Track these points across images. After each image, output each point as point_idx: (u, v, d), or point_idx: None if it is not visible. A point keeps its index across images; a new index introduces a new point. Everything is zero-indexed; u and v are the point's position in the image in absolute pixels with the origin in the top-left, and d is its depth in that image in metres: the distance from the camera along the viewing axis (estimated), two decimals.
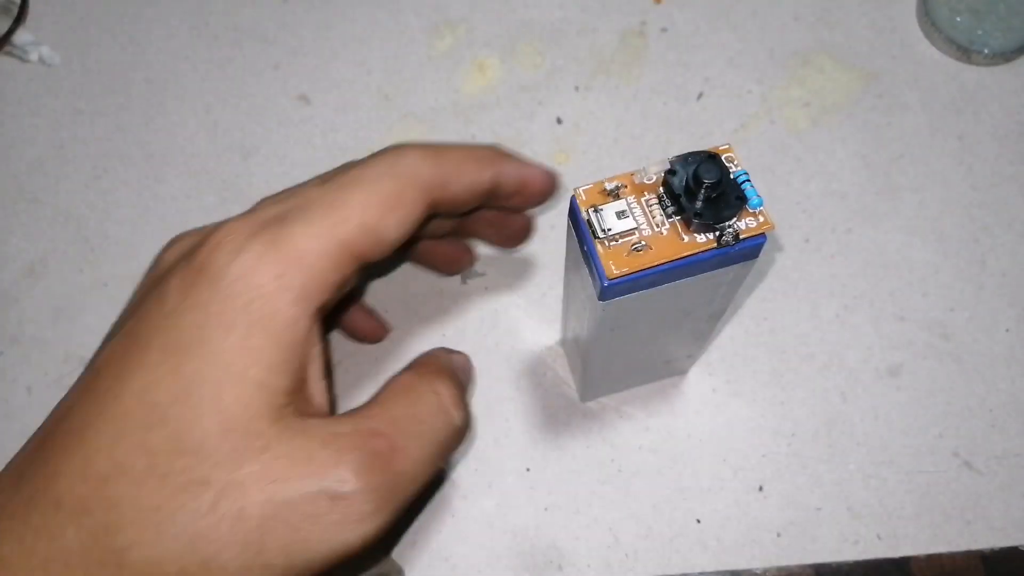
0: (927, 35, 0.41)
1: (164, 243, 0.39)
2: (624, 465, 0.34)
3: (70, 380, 0.37)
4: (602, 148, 0.39)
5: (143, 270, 0.39)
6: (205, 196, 0.39)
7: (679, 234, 0.22)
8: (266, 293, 0.21)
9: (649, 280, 0.23)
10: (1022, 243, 0.37)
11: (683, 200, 0.22)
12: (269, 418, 0.21)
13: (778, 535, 0.33)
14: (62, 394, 0.36)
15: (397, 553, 0.33)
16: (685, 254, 0.22)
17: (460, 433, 0.24)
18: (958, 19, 0.40)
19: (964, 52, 0.40)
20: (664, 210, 0.23)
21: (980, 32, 0.40)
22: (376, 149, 0.42)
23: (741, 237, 0.22)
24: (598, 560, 0.33)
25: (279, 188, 0.39)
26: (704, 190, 0.22)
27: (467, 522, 0.34)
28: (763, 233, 0.22)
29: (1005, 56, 0.40)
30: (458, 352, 0.28)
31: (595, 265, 0.22)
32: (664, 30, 0.42)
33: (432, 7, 0.42)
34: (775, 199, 0.38)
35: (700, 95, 0.40)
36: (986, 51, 0.39)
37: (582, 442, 0.35)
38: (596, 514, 0.34)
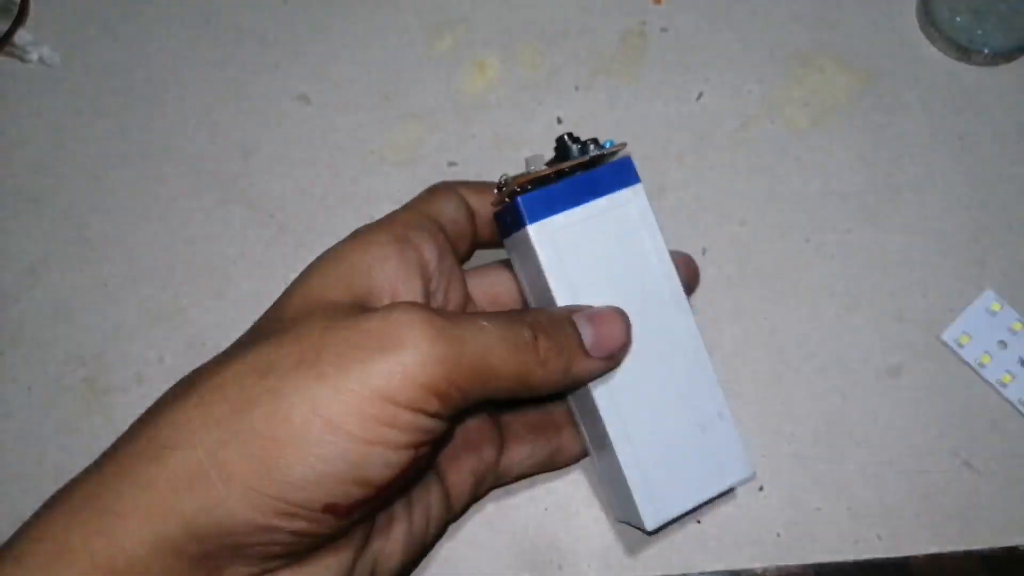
0: (927, 35, 0.41)
1: (164, 243, 0.39)
2: None
3: (70, 380, 0.37)
4: None
5: (143, 270, 0.39)
6: (205, 196, 0.39)
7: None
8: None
9: (553, 194, 0.29)
10: (1022, 243, 0.37)
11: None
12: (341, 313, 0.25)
13: (778, 535, 0.33)
14: (62, 394, 0.36)
15: None
16: (564, 166, 0.29)
17: (529, 364, 0.26)
18: (958, 19, 0.40)
19: (964, 52, 0.40)
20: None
21: (980, 32, 0.40)
22: (376, 149, 0.42)
23: (596, 154, 0.29)
24: (598, 560, 0.33)
25: (279, 188, 0.39)
26: (571, 143, 0.30)
27: (467, 522, 0.34)
28: (624, 157, 0.30)
29: (1005, 56, 0.40)
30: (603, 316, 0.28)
31: (515, 210, 0.29)
32: (664, 30, 0.42)
33: (432, 7, 0.42)
34: (775, 199, 0.38)
35: (700, 95, 0.40)
36: (986, 51, 0.39)
37: None
38: (596, 514, 0.34)
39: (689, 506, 0.30)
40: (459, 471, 0.30)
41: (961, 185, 0.38)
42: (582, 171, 0.30)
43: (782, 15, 0.42)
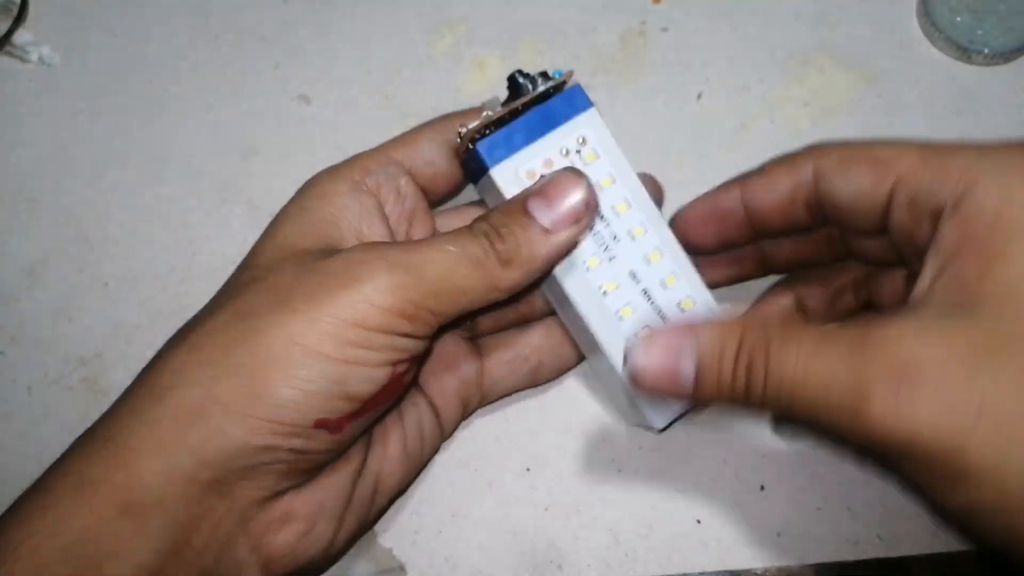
0: (927, 35, 0.41)
1: (164, 243, 0.39)
2: (624, 465, 0.34)
3: (70, 380, 0.37)
4: None
5: (143, 270, 0.39)
6: (205, 196, 0.39)
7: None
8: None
9: (511, 133, 0.29)
10: None
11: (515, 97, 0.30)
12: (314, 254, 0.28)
13: (778, 535, 0.33)
14: (62, 394, 0.36)
15: (398, 551, 0.33)
16: (518, 104, 0.29)
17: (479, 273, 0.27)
18: (958, 19, 0.40)
19: (964, 52, 0.40)
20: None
21: (980, 32, 0.40)
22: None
23: (547, 87, 0.30)
24: (598, 560, 0.33)
25: (279, 188, 0.39)
26: (522, 79, 0.30)
27: (467, 522, 0.34)
28: (574, 85, 0.30)
29: (1005, 56, 0.40)
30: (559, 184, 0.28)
31: (476, 156, 0.29)
32: (664, 30, 0.42)
33: (432, 7, 0.43)
34: None
35: (700, 95, 0.40)
36: (986, 51, 0.39)
37: (582, 442, 0.35)
38: (596, 514, 0.34)
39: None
40: (444, 393, 0.32)
41: None
42: (536, 106, 0.30)
43: (782, 15, 0.42)
